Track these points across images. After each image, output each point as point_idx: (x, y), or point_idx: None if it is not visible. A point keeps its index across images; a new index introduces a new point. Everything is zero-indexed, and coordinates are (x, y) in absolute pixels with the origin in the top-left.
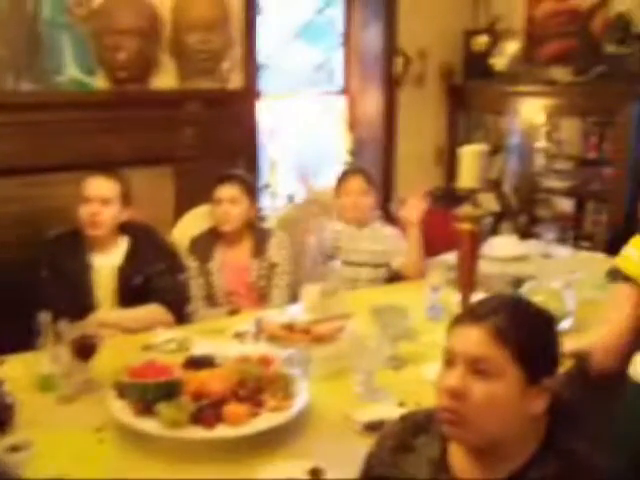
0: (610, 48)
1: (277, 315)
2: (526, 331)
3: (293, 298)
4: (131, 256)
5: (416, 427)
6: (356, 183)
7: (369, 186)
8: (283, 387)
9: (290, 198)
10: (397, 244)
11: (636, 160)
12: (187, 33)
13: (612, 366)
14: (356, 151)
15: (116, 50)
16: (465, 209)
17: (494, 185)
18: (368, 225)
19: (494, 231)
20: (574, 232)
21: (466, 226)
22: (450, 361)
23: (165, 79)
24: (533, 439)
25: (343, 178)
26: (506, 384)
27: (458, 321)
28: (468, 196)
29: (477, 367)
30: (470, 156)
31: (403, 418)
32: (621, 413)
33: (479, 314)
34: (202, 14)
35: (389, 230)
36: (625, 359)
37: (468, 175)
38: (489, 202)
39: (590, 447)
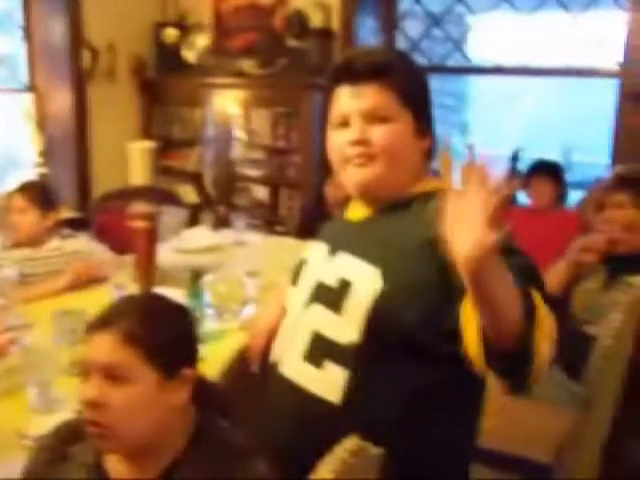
0: (291, 42)
1: None
2: (156, 329)
3: None
4: None
5: (70, 435)
6: (13, 201)
7: (28, 203)
8: None
9: None
10: (98, 251)
11: (321, 148)
12: None
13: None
14: (48, 151)
15: None
16: (137, 207)
17: (193, 177)
18: (45, 244)
19: (194, 223)
20: (270, 218)
21: (140, 224)
22: (86, 371)
23: None
24: (183, 430)
25: (6, 197)
26: (144, 385)
27: (90, 329)
28: (140, 193)
29: (111, 374)
30: (138, 153)
31: (57, 428)
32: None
33: (108, 319)
34: None
35: (79, 242)
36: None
37: (138, 172)
38: (188, 194)
39: (241, 433)
